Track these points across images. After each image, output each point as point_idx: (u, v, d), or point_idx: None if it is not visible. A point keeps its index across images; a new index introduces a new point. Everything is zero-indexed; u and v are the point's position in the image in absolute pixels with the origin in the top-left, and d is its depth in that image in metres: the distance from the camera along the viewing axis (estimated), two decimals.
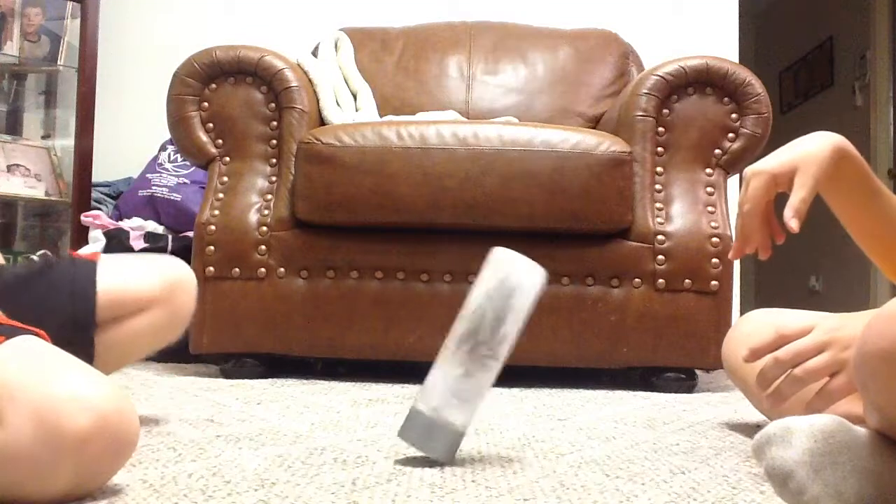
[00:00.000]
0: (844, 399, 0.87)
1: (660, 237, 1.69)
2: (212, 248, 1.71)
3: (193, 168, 2.26)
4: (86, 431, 0.68)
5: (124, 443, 0.72)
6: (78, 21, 2.54)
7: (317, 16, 2.73)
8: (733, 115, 1.73)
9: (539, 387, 1.67)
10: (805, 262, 4.53)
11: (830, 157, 0.93)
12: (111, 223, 2.22)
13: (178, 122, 1.77)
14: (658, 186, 1.73)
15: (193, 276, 1.16)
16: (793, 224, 0.90)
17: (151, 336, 1.12)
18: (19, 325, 0.82)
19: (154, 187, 2.29)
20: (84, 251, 2.15)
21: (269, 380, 1.69)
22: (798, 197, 0.90)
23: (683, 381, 1.70)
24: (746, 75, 1.73)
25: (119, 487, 0.78)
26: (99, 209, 2.42)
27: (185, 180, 2.30)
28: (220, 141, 1.78)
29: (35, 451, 0.67)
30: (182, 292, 1.13)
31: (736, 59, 2.53)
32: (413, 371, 1.81)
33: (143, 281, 1.09)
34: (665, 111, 1.73)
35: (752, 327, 1.17)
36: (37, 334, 0.81)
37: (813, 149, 0.93)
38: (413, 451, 0.99)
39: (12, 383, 0.70)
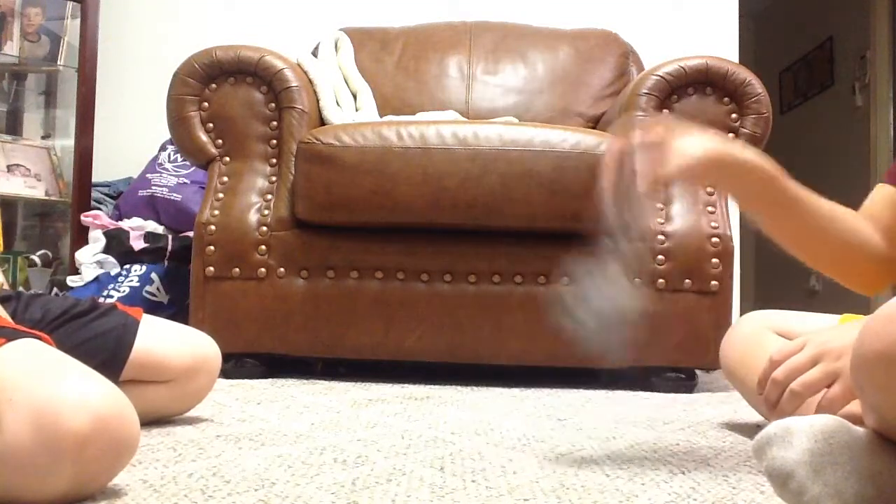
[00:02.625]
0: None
1: (660, 237, 1.69)
2: (212, 248, 1.71)
3: (193, 168, 2.25)
4: (85, 433, 0.68)
5: (124, 445, 0.72)
6: (78, 21, 2.54)
7: (317, 16, 2.73)
8: (733, 115, 1.73)
9: (539, 387, 1.67)
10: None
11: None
12: (111, 223, 2.22)
13: (178, 122, 1.77)
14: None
15: (219, 357, 1.18)
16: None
17: (163, 406, 1.14)
18: (22, 328, 0.82)
19: (154, 187, 2.29)
20: (83, 255, 2.15)
21: (269, 380, 1.69)
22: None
23: (683, 381, 1.70)
24: (746, 75, 1.73)
25: (119, 487, 0.78)
26: (99, 209, 2.42)
27: (185, 180, 2.30)
28: (220, 141, 1.78)
29: (34, 452, 0.67)
30: (205, 373, 1.15)
31: (736, 59, 2.53)
32: (413, 371, 1.81)
33: (173, 354, 1.11)
34: (665, 111, 1.73)
35: (750, 329, 1.17)
36: (39, 338, 0.81)
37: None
38: (413, 451, 0.99)
39: (11, 385, 0.70)
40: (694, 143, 0.90)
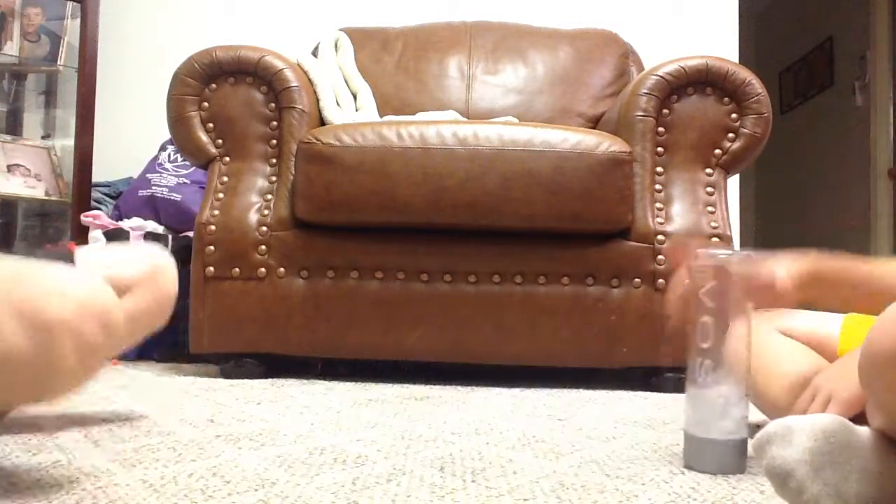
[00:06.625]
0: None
1: (660, 237, 1.69)
2: (212, 248, 1.71)
3: (193, 168, 2.26)
4: (69, 314, 0.69)
5: (109, 317, 0.73)
6: (78, 21, 2.54)
7: (317, 16, 2.73)
8: (733, 115, 1.73)
9: (539, 387, 1.67)
10: None
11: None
12: (111, 223, 2.22)
13: (178, 121, 1.77)
14: (658, 186, 1.73)
15: (172, 261, 1.16)
16: None
17: (134, 321, 1.11)
18: None
19: (154, 187, 2.29)
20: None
21: (269, 380, 1.69)
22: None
23: (683, 381, 1.70)
24: (746, 75, 1.73)
25: (119, 487, 0.77)
26: (99, 209, 2.42)
27: (185, 180, 2.30)
28: (220, 141, 1.78)
29: (28, 348, 0.68)
30: (162, 275, 1.13)
31: (736, 59, 2.53)
32: (413, 371, 1.81)
33: (120, 264, 1.10)
34: (665, 111, 1.73)
35: (753, 327, 1.17)
36: None
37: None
38: (413, 451, 0.99)
39: None
40: (786, 264, 0.90)
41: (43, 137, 2.68)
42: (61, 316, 0.69)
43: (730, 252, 0.92)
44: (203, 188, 2.08)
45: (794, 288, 0.89)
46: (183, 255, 2.06)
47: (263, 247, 1.71)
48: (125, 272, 1.08)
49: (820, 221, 4.42)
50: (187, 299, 1.77)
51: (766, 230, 4.99)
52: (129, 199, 2.34)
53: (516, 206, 1.65)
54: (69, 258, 1.07)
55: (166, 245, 2.13)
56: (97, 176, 2.56)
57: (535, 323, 1.69)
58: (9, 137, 2.53)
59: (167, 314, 1.16)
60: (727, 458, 0.90)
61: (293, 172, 1.72)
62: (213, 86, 1.77)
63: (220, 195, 1.74)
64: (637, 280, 1.69)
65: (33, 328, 0.68)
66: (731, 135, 1.73)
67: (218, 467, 0.88)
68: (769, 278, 0.89)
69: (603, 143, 1.67)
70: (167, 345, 1.97)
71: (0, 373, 0.69)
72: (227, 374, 1.73)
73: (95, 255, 1.11)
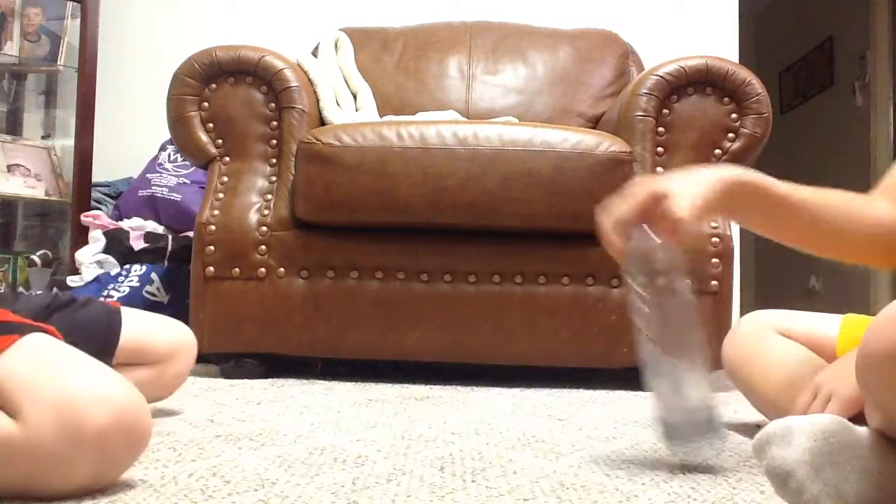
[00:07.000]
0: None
1: None
2: (212, 248, 1.71)
3: (193, 168, 2.25)
4: (104, 426, 0.71)
5: (139, 436, 0.75)
6: (78, 21, 2.54)
7: (317, 16, 2.73)
8: (733, 115, 1.73)
9: (539, 387, 1.67)
10: (804, 262, 4.53)
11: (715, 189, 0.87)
12: (111, 223, 2.22)
13: (178, 121, 1.77)
14: None
15: (195, 344, 1.22)
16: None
17: (145, 391, 1.16)
18: (30, 322, 0.84)
19: (154, 187, 2.29)
20: (83, 255, 2.15)
21: (269, 380, 1.69)
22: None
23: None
24: (746, 75, 1.73)
25: (119, 487, 0.78)
26: (99, 209, 2.42)
27: (185, 180, 2.30)
28: (220, 141, 1.78)
29: (55, 445, 0.69)
30: (185, 357, 1.19)
31: (736, 59, 2.53)
32: (413, 371, 1.81)
33: (156, 338, 1.16)
34: (665, 111, 1.73)
35: (752, 328, 1.17)
36: (46, 331, 0.83)
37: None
38: (413, 451, 0.99)
39: (30, 380, 0.73)
40: (695, 177, 0.89)
41: (43, 137, 2.68)
42: (97, 421, 0.70)
43: (650, 238, 0.91)
44: (203, 188, 2.08)
45: (696, 218, 0.86)
46: (183, 255, 2.07)
47: (263, 247, 1.71)
48: (159, 346, 1.15)
49: None
50: (187, 299, 1.77)
51: None
52: (129, 199, 2.34)
53: (516, 206, 1.65)
54: (118, 314, 1.13)
55: (166, 245, 2.13)
56: (97, 176, 2.56)
57: (535, 323, 1.69)
58: (9, 137, 2.53)
59: (174, 391, 1.22)
60: (700, 424, 0.90)
61: (293, 172, 1.72)
62: (213, 86, 1.77)
63: (220, 195, 1.74)
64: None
65: (66, 428, 0.69)
66: (731, 135, 1.73)
67: (218, 467, 0.88)
68: (670, 210, 0.86)
69: (603, 143, 1.67)
70: None
71: (9, 453, 0.70)
72: (227, 374, 1.73)
73: (139, 318, 1.17)
